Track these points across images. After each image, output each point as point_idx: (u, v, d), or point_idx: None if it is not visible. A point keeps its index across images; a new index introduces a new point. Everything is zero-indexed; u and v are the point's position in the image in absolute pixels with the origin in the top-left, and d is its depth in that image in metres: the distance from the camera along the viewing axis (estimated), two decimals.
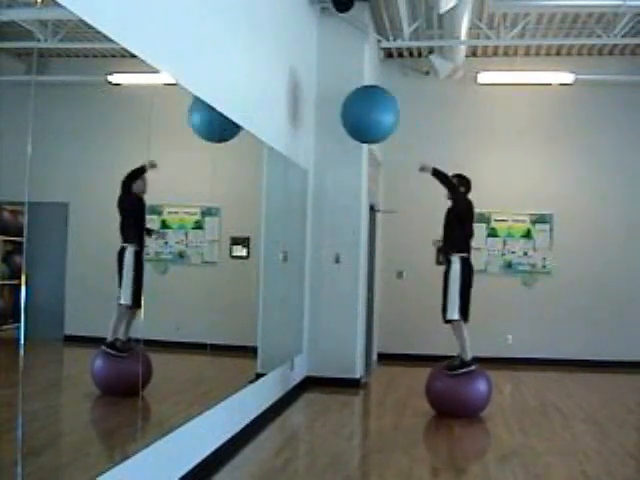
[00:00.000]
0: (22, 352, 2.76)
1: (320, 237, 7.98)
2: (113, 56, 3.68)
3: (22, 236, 2.81)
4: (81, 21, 3.10)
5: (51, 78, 3.41)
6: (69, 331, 3.77)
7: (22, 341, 2.77)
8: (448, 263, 6.63)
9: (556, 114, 9.89)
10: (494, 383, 6.85)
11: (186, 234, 5.01)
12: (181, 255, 4.93)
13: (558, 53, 9.86)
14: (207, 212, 5.19)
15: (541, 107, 9.93)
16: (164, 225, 4.75)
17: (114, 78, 3.85)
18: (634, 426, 6.65)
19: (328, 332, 7.90)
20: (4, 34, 3.00)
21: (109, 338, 4.01)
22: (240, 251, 5.92)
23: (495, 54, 9.97)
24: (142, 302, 3.94)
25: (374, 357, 9.59)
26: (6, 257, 3.32)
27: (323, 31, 8.02)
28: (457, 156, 9.74)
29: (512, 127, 9.92)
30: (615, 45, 9.27)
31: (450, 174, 6.83)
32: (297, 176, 7.41)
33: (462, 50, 9.13)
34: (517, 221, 10.00)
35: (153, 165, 4.07)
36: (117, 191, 3.90)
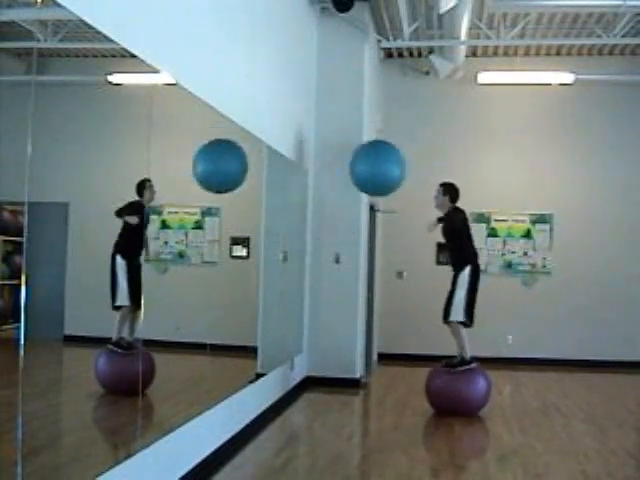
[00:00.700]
0: (22, 352, 2.76)
1: (320, 237, 7.98)
2: (113, 56, 3.68)
3: (22, 236, 2.81)
4: (81, 21, 3.10)
5: (51, 78, 3.41)
6: (69, 331, 3.77)
7: (22, 341, 2.77)
8: (458, 270, 6.64)
9: (556, 114, 9.89)
10: (494, 383, 6.85)
11: (186, 234, 5.01)
12: (181, 255, 4.93)
13: (558, 53, 9.87)
14: (207, 212, 5.19)
15: (541, 107, 9.93)
16: (164, 225, 4.75)
17: (114, 78, 3.85)
18: (634, 426, 6.65)
19: (328, 332, 7.90)
20: (4, 34, 3.00)
21: (114, 337, 4.02)
22: (240, 251, 5.92)
23: (495, 54, 9.98)
24: (142, 302, 3.94)
25: (374, 357, 9.60)
26: (6, 257, 3.32)
27: (323, 31, 8.02)
28: (457, 156, 9.77)
29: (512, 127, 9.93)
30: (615, 45, 9.27)
31: (439, 183, 6.93)
32: (297, 176, 7.41)
33: (462, 50, 9.13)
34: (517, 221, 9.99)
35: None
36: (117, 191, 3.90)
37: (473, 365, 6.58)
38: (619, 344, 9.53)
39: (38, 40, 3.05)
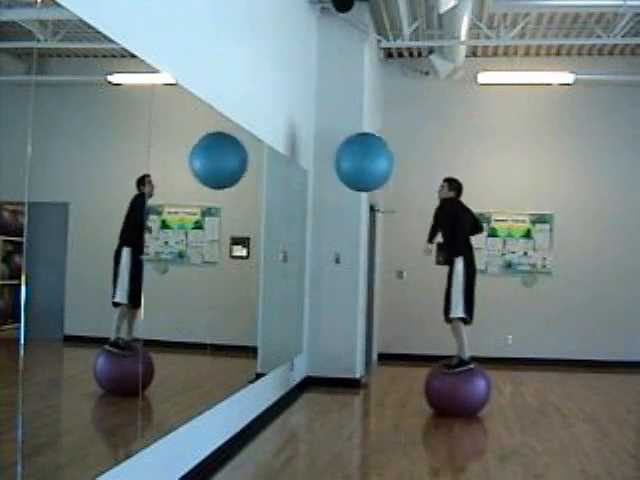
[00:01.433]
0: (22, 352, 2.76)
1: (320, 237, 7.98)
2: (113, 56, 3.68)
3: (22, 236, 2.81)
4: (81, 21, 3.10)
5: (51, 78, 3.41)
6: (69, 331, 3.77)
7: (22, 341, 2.77)
8: (451, 264, 6.64)
9: (556, 114, 9.89)
10: (494, 383, 6.85)
11: (186, 234, 5.01)
12: (181, 255, 4.93)
13: (558, 53, 9.87)
14: (207, 212, 5.19)
15: (541, 107, 9.93)
16: (164, 225, 4.75)
17: (114, 78, 3.85)
18: (634, 426, 6.65)
19: (328, 332, 7.90)
20: (4, 34, 3.00)
21: (112, 337, 4.02)
22: (240, 251, 5.92)
23: (495, 54, 9.98)
24: (142, 302, 3.94)
25: (374, 357, 9.60)
26: (6, 257, 3.32)
27: (323, 31, 8.02)
28: (457, 156, 9.77)
29: (512, 127, 9.93)
30: (615, 45, 9.27)
31: (437, 177, 6.96)
32: (297, 176, 7.41)
33: (462, 50, 9.12)
34: (517, 221, 10.00)
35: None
36: (117, 191, 3.90)
37: (471, 366, 6.56)
38: (619, 344, 9.53)
39: (38, 40, 3.05)
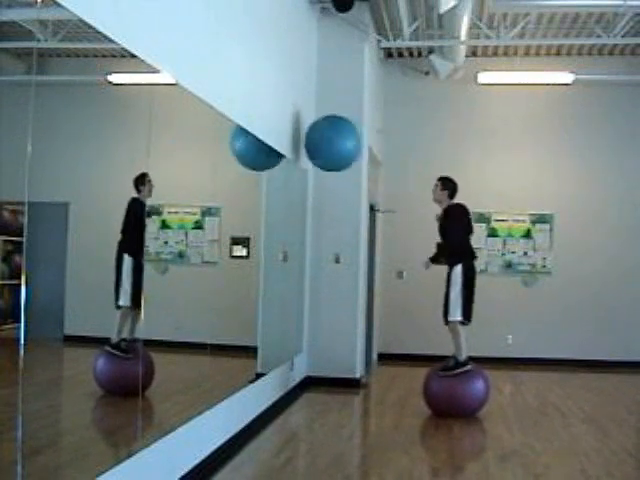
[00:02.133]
0: (22, 352, 2.76)
1: (320, 237, 7.98)
2: (113, 56, 3.68)
3: (22, 236, 2.81)
4: (81, 21, 3.10)
5: (51, 78, 3.41)
6: (69, 331, 3.77)
7: (22, 341, 2.77)
8: (451, 267, 6.63)
9: (556, 114, 9.89)
10: (494, 383, 6.85)
11: (186, 234, 5.01)
12: (181, 255, 4.93)
13: (558, 53, 9.86)
14: (207, 212, 5.19)
15: (541, 107, 9.93)
16: (164, 225, 4.75)
17: (114, 78, 3.85)
18: (634, 426, 6.65)
19: (328, 332, 7.90)
20: (4, 34, 3.00)
21: (114, 339, 4.01)
22: (240, 251, 5.92)
23: (495, 54, 9.98)
24: (142, 302, 3.94)
25: (374, 357, 9.60)
26: (6, 257, 3.32)
27: (323, 31, 8.02)
28: (457, 156, 9.77)
29: (512, 127, 9.93)
30: (615, 45, 9.27)
31: (437, 177, 6.91)
32: (297, 176, 7.41)
33: (462, 50, 9.13)
34: (517, 221, 9.99)
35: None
36: (117, 191, 3.90)
37: (468, 367, 6.52)
38: (619, 344, 9.53)
39: (38, 40, 3.05)
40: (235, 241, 5.84)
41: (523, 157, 9.95)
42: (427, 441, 6.13)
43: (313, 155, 6.91)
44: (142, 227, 4.13)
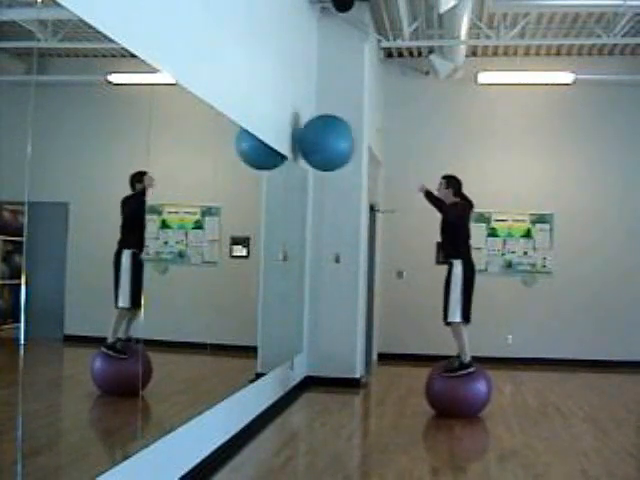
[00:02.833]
0: (22, 352, 2.76)
1: (320, 237, 7.98)
2: (113, 56, 3.68)
3: (22, 236, 2.81)
4: (81, 21, 3.10)
5: (51, 78, 3.41)
6: (69, 331, 3.77)
7: (22, 341, 2.77)
8: (450, 266, 6.63)
9: (556, 114, 9.89)
10: (494, 383, 6.84)
11: (186, 234, 5.01)
12: (181, 255, 4.93)
13: (558, 53, 9.86)
14: (207, 212, 5.19)
15: (541, 107, 9.93)
16: (164, 225, 4.75)
17: (114, 78, 3.85)
18: (634, 426, 6.65)
19: (328, 332, 7.89)
20: (4, 34, 3.00)
21: (110, 339, 4.01)
22: (240, 251, 5.92)
23: (495, 54, 9.97)
24: (142, 302, 3.94)
25: (374, 357, 9.60)
26: (6, 257, 3.32)
27: (323, 31, 8.02)
28: (457, 156, 9.75)
29: (512, 127, 9.93)
30: (615, 45, 9.27)
31: (442, 175, 6.89)
32: (297, 176, 7.41)
33: (462, 50, 9.13)
34: (517, 221, 10.00)
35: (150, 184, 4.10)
36: (117, 191, 3.90)
37: (472, 369, 6.50)
38: (619, 344, 9.53)
39: (38, 40, 3.05)
40: (235, 241, 5.84)
41: (523, 157, 9.94)
42: (427, 441, 6.13)
43: (307, 155, 6.91)
44: (139, 225, 4.13)
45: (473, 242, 6.93)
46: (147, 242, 4.34)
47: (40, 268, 3.20)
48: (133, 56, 3.54)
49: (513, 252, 9.98)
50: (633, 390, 8.38)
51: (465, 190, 6.98)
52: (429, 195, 6.79)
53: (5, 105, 2.99)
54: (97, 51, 3.70)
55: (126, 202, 3.92)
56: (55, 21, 3.22)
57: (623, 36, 8.14)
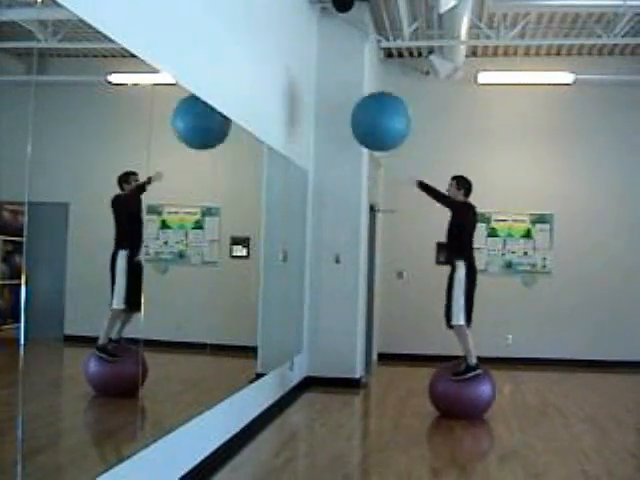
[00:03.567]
0: (22, 352, 2.76)
1: (320, 237, 7.97)
2: (113, 56, 3.68)
3: (22, 236, 2.81)
4: (81, 21, 3.10)
5: (51, 78, 3.41)
6: (69, 331, 3.77)
7: (22, 341, 2.77)
8: (453, 268, 6.62)
9: (556, 114, 9.89)
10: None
11: (186, 234, 5.01)
12: (181, 255, 4.93)
13: (558, 53, 9.87)
14: (207, 212, 5.19)
15: (541, 107, 9.93)
16: (164, 225, 4.75)
17: (114, 78, 3.85)
18: (634, 426, 6.65)
19: (328, 332, 7.89)
20: (4, 34, 3.00)
21: (101, 341, 3.99)
22: (240, 251, 5.92)
23: (495, 54, 9.98)
24: (141, 305, 3.93)
25: (374, 357, 9.60)
26: (6, 257, 3.32)
27: (323, 31, 8.02)
28: (457, 156, 9.75)
29: (512, 127, 9.93)
30: (615, 45, 9.27)
31: (451, 176, 6.85)
32: (297, 176, 7.41)
33: (462, 50, 9.13)
34: (517, 221, 10.00)
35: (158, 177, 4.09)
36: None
37: (479, 371, 6.47)
38: (619, 344, 9.53)
39: (38, 40, 3.05)
40: (235, 241, 5.84)
41: (523, 157, 9.95)
42: (427, 441, 6.13)
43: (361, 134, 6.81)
44: (135, 225, 4.12)
45: (473, 242, 6.92)
46: (147, 242, 4.34)
47: (40, 268, 3.20)
48: (133, 56, 3.54)
49: (513, 252, 9.99)
50: (633, 390, 8.38)
51: None
52: (423, 186, 6.76)
53: (5, 105, 2.99)
54: (97, 51, 3.70)
55: (115, 202, 3.90)
56: (55, 21, 3.22)
57: (623, 36, 8.15)
